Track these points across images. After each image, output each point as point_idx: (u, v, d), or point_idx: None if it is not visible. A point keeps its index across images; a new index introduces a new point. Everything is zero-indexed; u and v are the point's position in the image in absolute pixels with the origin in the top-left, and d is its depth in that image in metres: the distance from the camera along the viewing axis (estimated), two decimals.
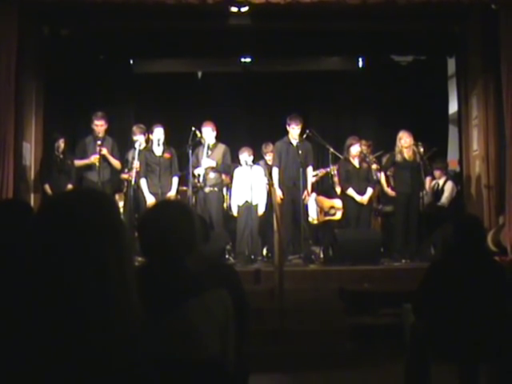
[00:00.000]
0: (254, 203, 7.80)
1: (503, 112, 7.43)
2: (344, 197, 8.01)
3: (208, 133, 7.76)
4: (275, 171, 7.90)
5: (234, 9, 7.78)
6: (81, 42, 9.05)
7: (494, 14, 7.45)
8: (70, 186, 7.86)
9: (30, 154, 8.20)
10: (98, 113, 8.02)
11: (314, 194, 8.42)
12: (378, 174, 8.15)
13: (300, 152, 7.77)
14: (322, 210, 8.55)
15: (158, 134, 7.73)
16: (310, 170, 7.97)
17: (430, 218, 7.96)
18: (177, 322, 2.04)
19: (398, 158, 7.91)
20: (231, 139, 8.71)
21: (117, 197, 8.11)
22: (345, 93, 10.26)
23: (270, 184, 7.75)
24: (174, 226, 2.16)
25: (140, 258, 2.28)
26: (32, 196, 8.15)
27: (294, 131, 7.85)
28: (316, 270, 7.29)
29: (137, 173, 7.66)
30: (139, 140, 7.89)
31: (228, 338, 2.12)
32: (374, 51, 9.69)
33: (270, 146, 8.48)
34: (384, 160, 8.54)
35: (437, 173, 8.67)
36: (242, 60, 9.97)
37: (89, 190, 1.68)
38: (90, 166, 7.92)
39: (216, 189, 7.80)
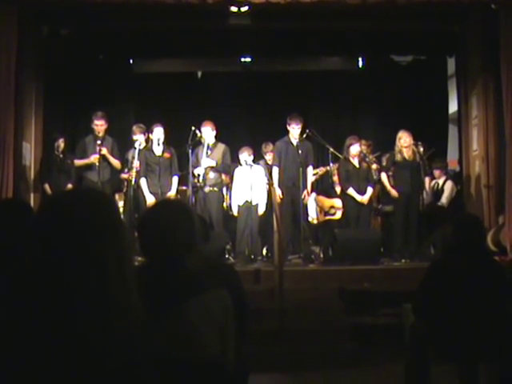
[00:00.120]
0: (254, 203, 7.80)
1: (503, 112, 7.43)
2: (344, 196, 8.01)
3: (207, 132, 7.76)
4: (275, 171, 7.90)
5: (233, 9, 7.78)
6: (80, 41, 9.05)
7: (494, 14, 7.45)
8: (69, 186, 7.85)
9: (30, 153, 8.20)
10: (98, 112, 8.02)
11: (313, 194, 8.42)
12: (381, 174, 8.12)
13: (300, 152, 7.77)
14: (321, 210, 8.55)
15: (158, 133, 7.72)
16: (310, 169, 7.96)
17: (430, 218, 7.96)
18: (177, 321, 2.04)
19: (398, 157, 7.90)
20: (231, 139, 8.70)
21: (117, 197, 8.11)
22: (345, 93, 10.26)
23: (270, 184, 7.75)
24: (174, 226, 2.16)
25: (140, 258, 2.28)
26: (32, 196, 8.15)
27: (294, 131, 7.85)
28: (316, 270, 7.29)
29: (137, 172, 7.66)
30: (139, 140, 7.88)
31: (228, 338, 2.12)
32: (374, 51, 9.69)
33: (270, 146, 8.48)
34: (384, 160, 8.54)
35: (436, 172, 8.67)
36: (242, 60, 9.96)
37: (88, 189, 1.67)
38: (89, 166, 7.92)
39: (216, 188, 7.80)
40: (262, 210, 7.96)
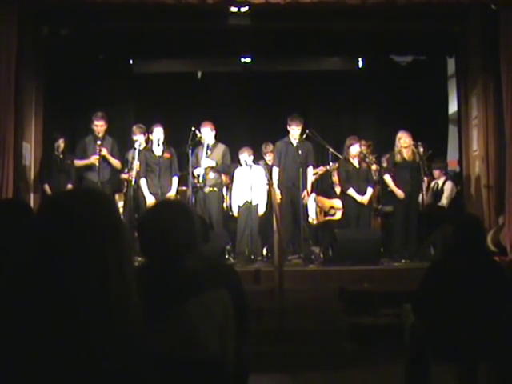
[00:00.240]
0: (254, 203, 7.80)
1: (503, 112, 7.43)
2: (344, 197, 8.01)
3: (207, 133, 7.76)
4: (275, 171, 7.90)
5: (233, 9, 7.78)
6: (80, 41, 9.04)
7: (493, 14, 7.46)
8: (69, 186, 7.86)
9: (30, 153, 8.20)
10: (98, 113, 8.02)
11: (313, 194, 8.42)
12: (384, 176, 8.10)
13: (300, 152, 7.78)
14: (321, 210, 8.55)
15: (158, 133, 7.72)
16: (310, 169, 7.96)
17: (430, 218, 7.96)
18: (177, 321, 2.04)
19: (398, 158, 7.91)
20: (231, 139, 8.70)
21: (117, 197, 8.12)
22: (345, 93, 10.27)
23: (270, 184, 7.75)
24: (174, 226, 2.15)
25: (140, 258, 2.28)
26: (32, 196, 8.15)
27: (295, 132, 7.85)
28: (316, 270, 7.29)
29: (137, 173, 7.66)
30: (139, 140, 7.88)
31: (228, 338, 2.12)
32: (374, 51, 9.69)
33: (270, 146, 8.48)
34: (384, 160, 8.54)
35: (436, 172, 8.66)
36: (242, 60, 9.98)
37: (88, 189, 1.68)
38: (89, 166, 7.92)
39: (216, 189, 7.80)
40: (262, 210, 7.96)
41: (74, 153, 8.18)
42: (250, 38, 8.97)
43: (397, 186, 7.95)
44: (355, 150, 7.97)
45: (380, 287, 6.40)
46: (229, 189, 8.28)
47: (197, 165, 7.73)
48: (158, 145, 7.75)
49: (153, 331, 1.54)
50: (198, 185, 7.72)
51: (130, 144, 8.18)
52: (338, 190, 8.35)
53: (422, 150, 7.87)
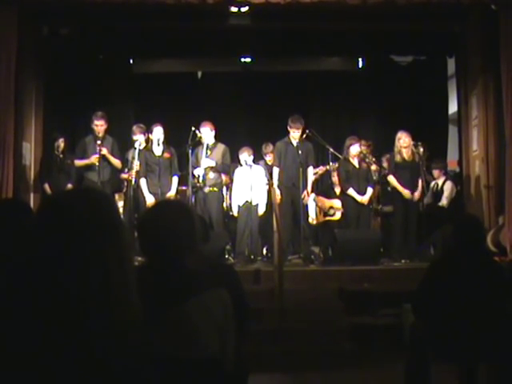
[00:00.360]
0: (254, 203, 7.80)
1: (503, 112, 7.43)
2: (344, 197, 8.00)
3: (206, 133, 7.76)
4: (276, 171, 7.90)
5: (233, 9, 7.79)
6: (80, 41, 9.05)
7: (493, 14, 7.46)
8: (69, 186, 7.86)
9: (30, 153, 8.20)
10: (98, 113, 8.01)
11: (313, 195, 8.42)
12: (388, 177, 8.08)
13: (300, 152, 7.78)
14: (321, 211, 8.55)
15: (158, 133, 7.72)
16: (310, 170, 7.96)
17: (430, 218, 7.96)
18: (177, 321, 2.04)
19: (397, 158, 7.91)
20: (231, 139, 8.70)
21: (117, 197, 8.12)
22: (345, 93, 10.27)
23: (270, 184, 7.75)
24: (174, 226, 2.15)
25: (140, 258, 2.28)
26: (32, 196, 8.15)
27: (295, 134, 7.86)
28: (316, 270, 7.29)
29: (137, 172, 7.66)
30: (139, 140, 7.88)
31: (227, 338, 2.12)
32: (374, 51, 9.69)
33: (270, 147, 8.48)
34: (384, 160, 8.54)
35: (436, 172, 8.66)
36: (242, 60, 9.97)
37: (88, 189, 1.67)
38: (89, 166, 7.91)
39: (216, 189, 7.80)
40: (262, 210, 7.96)
41: (74, 153, 8.17)
42: (250, 38, 8.97)
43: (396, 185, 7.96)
44: (355, 149, 7.97)
45: (380, 287, 6.41)
46: (229, 189, 8.28)
47: (197, 165, 7.73)
48: (158, 145, 7.74)
49: (153, 331, 1.54)
50: (198, 185, 7.72)
51: (130, 144, 8.18)
52: (337, 190, 8.35)
53: (421, 150, 7.87)
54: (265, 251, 8.46)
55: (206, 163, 7.70)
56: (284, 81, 10.15)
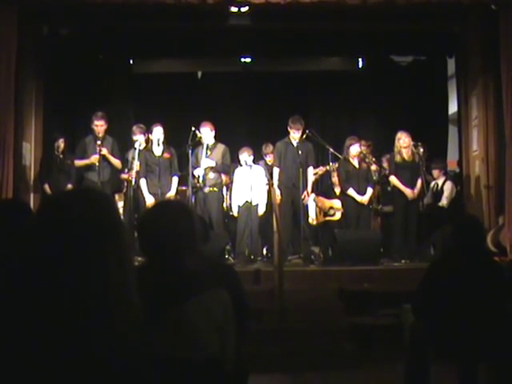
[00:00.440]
0: (254, 203, 7.80)
1: (503, 112, 7.43)
2: (344, 197, 8.01)
3: (206, 133, 7.76)
4: (276, 171, 7.90)
5: (233, 9, 7.78)
6: (80, 41, 9.05)
7: (494, 14, 7.46)
8: (69, 186, 7.86)
9: (30, 153, 8.21)
10: (98, 113, 8.01)
11: (313, 195, 8.42)
12: (390, 177, 8.08)
13: (300, 152, 7.78)
14: (321, 211, 8.55)
15: (158, 133, 7.72)
16: (310, 170, 7.96)
17: (430, 219, 7.96)
18: (176, 321, 2.04)
19: (397, 158, 7.91)
20: (231, 139, 8.71)
21: (117, 197, 8.11)
22: (345, 93, 10.27)
23: (270, 184, 7.75)
24: (174, 226, 2.15)
25: (140, 258, 2.28)
26: (32, 196, 8.15)
27: (295, 135, 7.86)
28: (316, 271, 7.29)
29: (137, 173, 7.66)
30: (139, 140, 7.88)
31: (227, 338, 2.12)
32: (374, 51, 9.69)
33: (270, 147, 8.49)
34: (384, 160, 8.54)
35: (436, 173, 8.66)
36: (242, 60, 9.98)
37: (88, 189, 1.68)
38: (89, 166, 7.91)
39: (216, 189, 7.80)
40: (262, 210, 7.96)
41: (74, 153, 8.17)
42: (250, 38, 8.97)
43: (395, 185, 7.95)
44: (355, 150, 7.97)
45: (380, 287, 6.40)
46: (229, 189, 8.28)
47: (197, 165, 7.73)
48: (158, 145, 7.74)
49: (153, 331, 1.54)
50: (198, 185, 7.72)
51: (130, 144, 8.18)
52: (337, 190, 8.35)
53: (421, 150, 7.87)
54: (265, 251, 8.46)
55: (205, 163, 7.70)
56: (284, 81, 10.15)
